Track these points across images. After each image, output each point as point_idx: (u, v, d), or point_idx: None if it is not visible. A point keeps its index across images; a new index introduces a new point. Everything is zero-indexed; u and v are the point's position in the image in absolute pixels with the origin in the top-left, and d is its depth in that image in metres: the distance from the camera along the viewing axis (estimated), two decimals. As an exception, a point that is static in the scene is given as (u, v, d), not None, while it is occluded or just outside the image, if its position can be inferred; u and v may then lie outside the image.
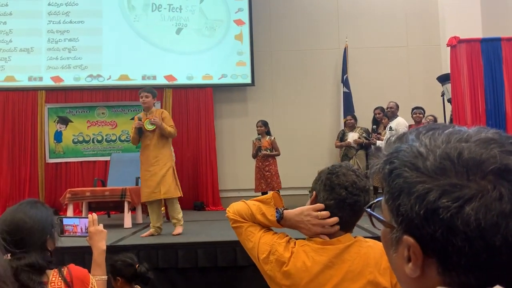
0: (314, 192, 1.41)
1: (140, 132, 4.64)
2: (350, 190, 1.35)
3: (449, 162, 0.51)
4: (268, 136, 6.26)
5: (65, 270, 1.54)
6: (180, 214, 4.74)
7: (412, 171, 0.53)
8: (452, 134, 0.54)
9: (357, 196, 1.35)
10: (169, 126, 4.69)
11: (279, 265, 1.33)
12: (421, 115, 6.40)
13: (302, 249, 1.34)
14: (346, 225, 1.38)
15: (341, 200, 1.34)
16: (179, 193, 4.77)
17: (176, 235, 4.56)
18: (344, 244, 1.35)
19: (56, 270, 1.54)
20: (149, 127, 4.62)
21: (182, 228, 4.71)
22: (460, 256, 0.50)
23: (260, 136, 6.23)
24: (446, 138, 0.54)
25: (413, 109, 6.55)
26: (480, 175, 0.50)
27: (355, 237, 1.39)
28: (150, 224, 4.69)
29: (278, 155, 6.24)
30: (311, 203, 1.40)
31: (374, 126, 6.89)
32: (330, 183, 1.36)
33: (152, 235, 4.56)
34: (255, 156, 6.22)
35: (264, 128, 6.23)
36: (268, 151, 6.15)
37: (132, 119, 7.35)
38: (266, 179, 6.07)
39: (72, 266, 1.60)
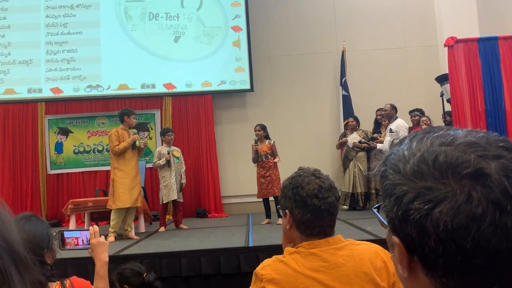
0: (287, 211, 1.38)
1: (134, 146, 5.30)
2: (321, 196, 1.34)
3: (425, 166, 0.53)
4: (268, 140, 5.96)
5: (67, 283, 1.54)
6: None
7: (395, 174, 0.55)
8: (438, 137, 0.55)
9: (329, 198, 1.35)
10: None
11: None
12: (417, 117, 6.44)
13: (291, 257, 1.32)
14: (330, 229, 1.38)
15: (317, 209, 1.33)
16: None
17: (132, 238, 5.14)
18: (333, 246, 1.33)
19: (58, 282, 1.53)
20: (138, 144, 5.37)
21: None
22: (436, 257, 0.51)
23: (257, 139, 5.94)
24: (431, 141, 0.55)
25: (410, 112, 6.62)
26: (455, 178, 0.50)
27: (346, 240, 1.38)
28: (111, 229, 5.10)
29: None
30: (288, 223, 1.38)
31: (371, 131, 6.94)
32: (300, 198, 1.35)
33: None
34: (255, 160, 5.95)
35: (262, 132, 5.93)
36: (269, 156, 5.87)
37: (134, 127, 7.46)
38: (267, 184, 5.82)
39: (74, 278, 1.59)
